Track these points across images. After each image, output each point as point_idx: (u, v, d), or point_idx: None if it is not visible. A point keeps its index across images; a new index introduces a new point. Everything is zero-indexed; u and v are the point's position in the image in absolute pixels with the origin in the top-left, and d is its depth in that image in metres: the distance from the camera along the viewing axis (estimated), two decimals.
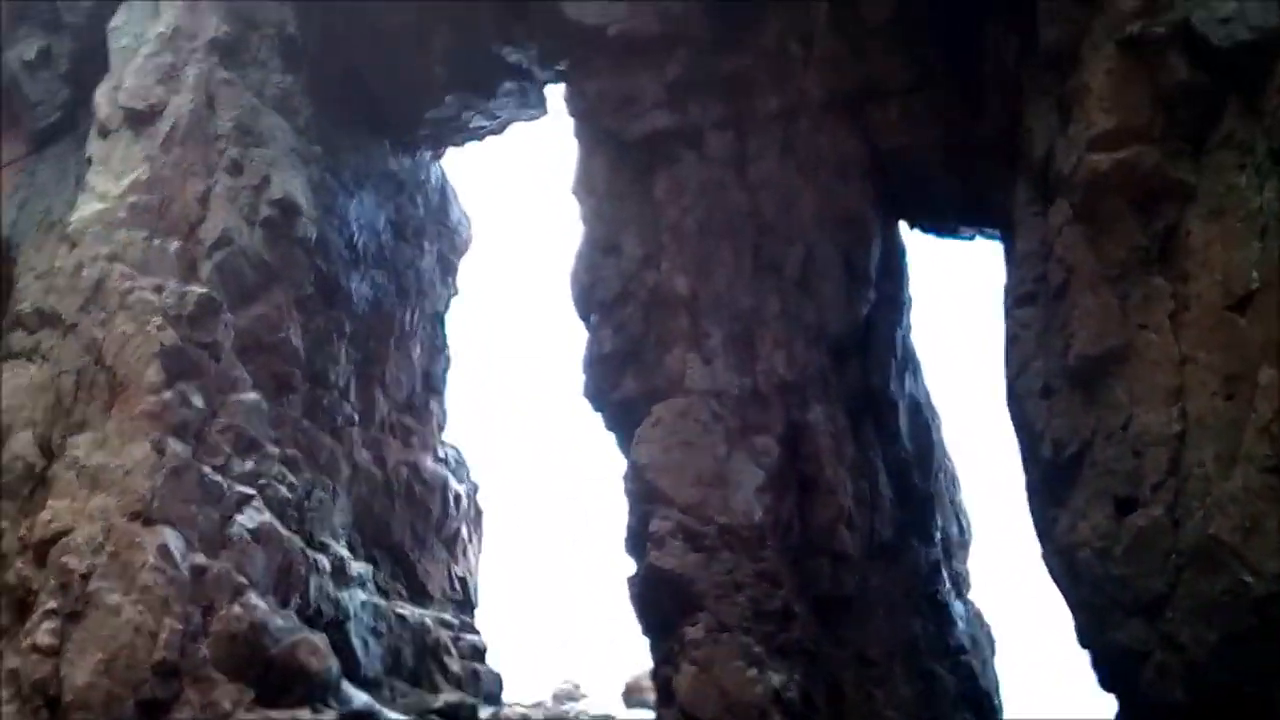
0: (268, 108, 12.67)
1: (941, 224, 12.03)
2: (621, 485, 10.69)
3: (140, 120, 11.98)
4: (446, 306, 16.13)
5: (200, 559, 10.38)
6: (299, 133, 12.97)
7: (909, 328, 11.96)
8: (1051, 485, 8.21)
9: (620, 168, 11.63)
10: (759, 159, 11.26)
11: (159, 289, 11.17)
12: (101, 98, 12.34)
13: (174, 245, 11.49)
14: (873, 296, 11.19)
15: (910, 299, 12.01)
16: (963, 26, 10.32)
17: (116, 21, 12.69)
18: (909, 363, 11.83)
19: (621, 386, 11.07)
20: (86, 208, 11.75)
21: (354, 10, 13.11)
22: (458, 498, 15.36)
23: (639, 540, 10.29)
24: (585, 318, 11.56)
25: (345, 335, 13.56)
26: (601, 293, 11.37)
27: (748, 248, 11.01)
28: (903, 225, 11.99)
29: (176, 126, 11.87)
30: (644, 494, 10.31)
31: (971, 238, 11.97)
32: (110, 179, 11.85)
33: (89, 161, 12.20)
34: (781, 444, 10.34)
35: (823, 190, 11.11)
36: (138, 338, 10.87)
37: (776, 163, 11.23)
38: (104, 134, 12.19)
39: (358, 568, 12.74)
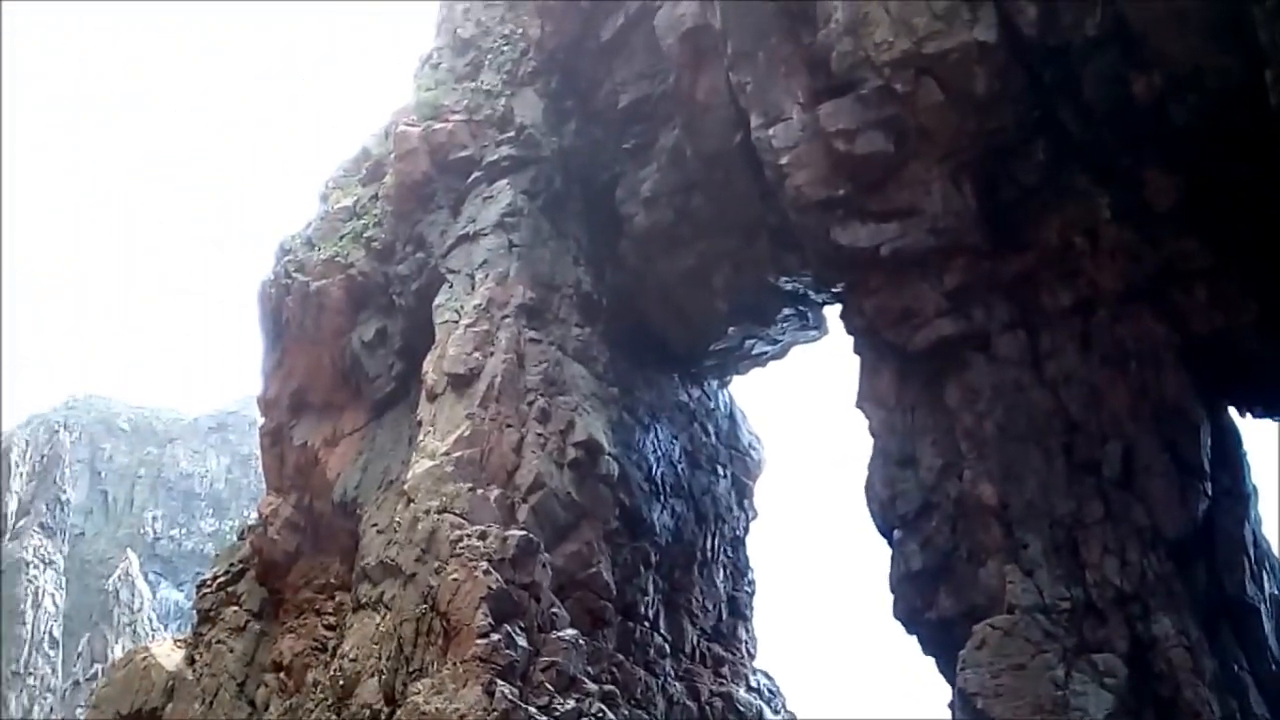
0: (569, 358, 13.85)
1: (1276, 405, 10.93)
2: (949, 714, 10.01)
3: (461, 383, 13.37)
4: (746, 530, 16.28)
5: None
6: (597, 377, 14.02)
7: (1258, 521, 10.73)
8: None
9: (907, 378, 11.54)
10: (1056, 356, 10.84)
11: (483, 535, 12.03)
12: (428, 366, 13.92)
13: (494, 493, 12.47)
14: (1210, 490, 10.20)
15: (1255, 489, 10.83)
16: (1256, 202, 9.70)
17: (440, 299, 14.46)
18: (1265, 560, 10.53)
19: (936, 605, 10.56)
20: (418, 465, 13.03)
21: (641, 262, 14.23)
22: None
23: None
24: (886, 533, 11.24)
25: (651, 565, 13.94)
26: (902, 506, 11.08)
27: (1058, 449, 10.44)
28: (1233, 411, 10.99)
29: (492, 386, 13.16)
30: None
31: None
32: (437, 438, 13.15)
33: (419, 424, 13.67)
34: (1127, 662, 9.36)
35: (1134, 381, 10.46)
36: (467, 583, 11.65)
37: (1076, 358, 10.76)
38: (431, 398, 13.66)
39: None
